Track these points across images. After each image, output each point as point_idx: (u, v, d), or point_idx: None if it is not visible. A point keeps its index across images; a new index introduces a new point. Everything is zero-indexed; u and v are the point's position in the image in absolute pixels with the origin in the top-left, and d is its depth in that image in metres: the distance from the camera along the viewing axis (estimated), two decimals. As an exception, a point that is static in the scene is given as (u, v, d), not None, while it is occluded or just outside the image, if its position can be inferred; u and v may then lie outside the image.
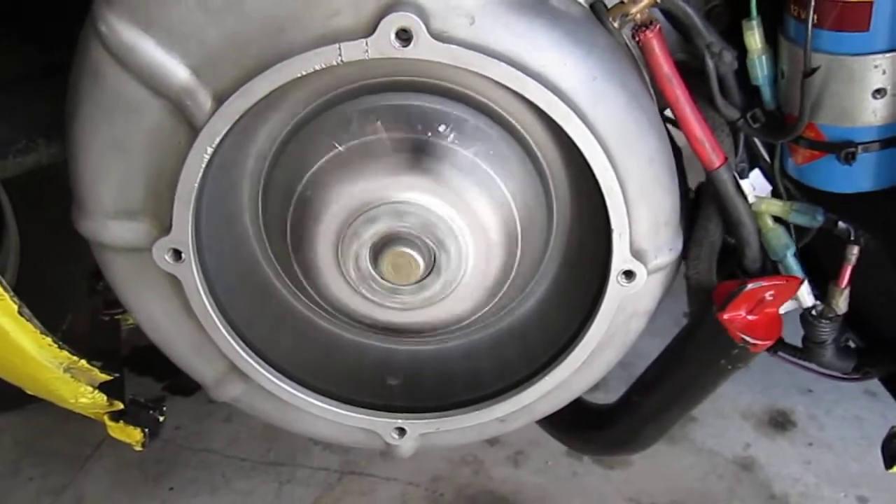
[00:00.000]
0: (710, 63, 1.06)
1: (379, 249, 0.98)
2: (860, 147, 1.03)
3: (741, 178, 1.12)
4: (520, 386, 1.10)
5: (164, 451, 1.90)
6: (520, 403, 1.10)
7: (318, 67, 0.89)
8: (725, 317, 1.07)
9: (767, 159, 1.15)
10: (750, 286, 1.06)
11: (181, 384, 2.02)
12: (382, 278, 0.99)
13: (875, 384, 1.33)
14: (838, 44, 0.99)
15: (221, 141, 0.93)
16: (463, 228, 0.98)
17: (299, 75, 0.89)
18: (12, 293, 1.03)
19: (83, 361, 1.16)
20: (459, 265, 0.99)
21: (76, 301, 1.51)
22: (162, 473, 1.86)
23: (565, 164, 1.04)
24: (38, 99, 1.22)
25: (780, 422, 1.99)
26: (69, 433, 1.89)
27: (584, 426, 1.33)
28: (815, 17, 0.97)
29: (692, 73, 1.07)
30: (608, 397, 1.34)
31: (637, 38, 1.02)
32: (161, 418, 1.32)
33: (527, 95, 0.91)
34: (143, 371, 2.04)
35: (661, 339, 1.23)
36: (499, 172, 1.00)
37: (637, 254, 1.01)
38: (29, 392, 1.26)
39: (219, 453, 1.91)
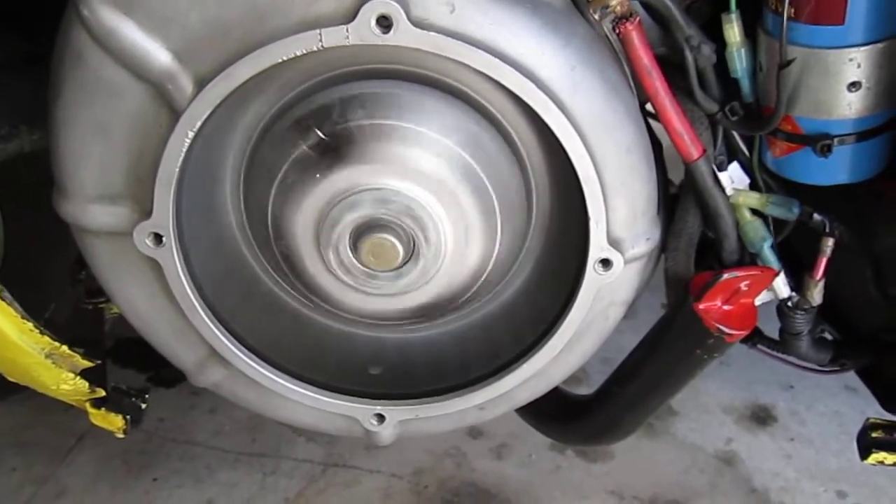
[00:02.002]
0: (689, 56, 1.07)
1: (359, 236, 0.99)
2: (836, 140, 1.04)
3: (720, 170, 1.14)
4: (499, 373, 1.11)
5: (147, 443, 1.90)
6: (499, 391, 1.11)
7: (298, 53, 0.90)
8: (701, 307, 1.09)
9: (746, 152, 1.16)
10: (725, 276, 1.08)
11: (165, 376, 2.02)
12: (362, 265, 1.00)
13: (856, 380, 1.35)
14: (814, 37, 1.00)
15: (203, 125, 0.94)
16: (442, 215, 0.99)
17: (280, 60, 0.90)
18: (-7, 278, 1.03)
19: (64, 347, 1.17)
20: (438, 252, 1.00)
21: (59, 290, 1.51)
22: (145, 465, 1.86)
23: (544, 153, 1.05)
24: (21, 86, 1.23)
25: (761, 417, 2.00)
26: (52, 424, 1.89)
27: (565, 416, 1.34)
28: (792, 10, 0.99)
29: (672, 66, 1.09)
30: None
31: (617, 31, 1.03)
32: (143, 405, 1.32)
33: (505, 83, 0.92)
34: (126, 363, 2.04)
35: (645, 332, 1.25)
36: (478, 160, 1.00)
37: (614, 242, 1.02)
38: (10, 378, 1.26)
39: (202, 445, 1.91)
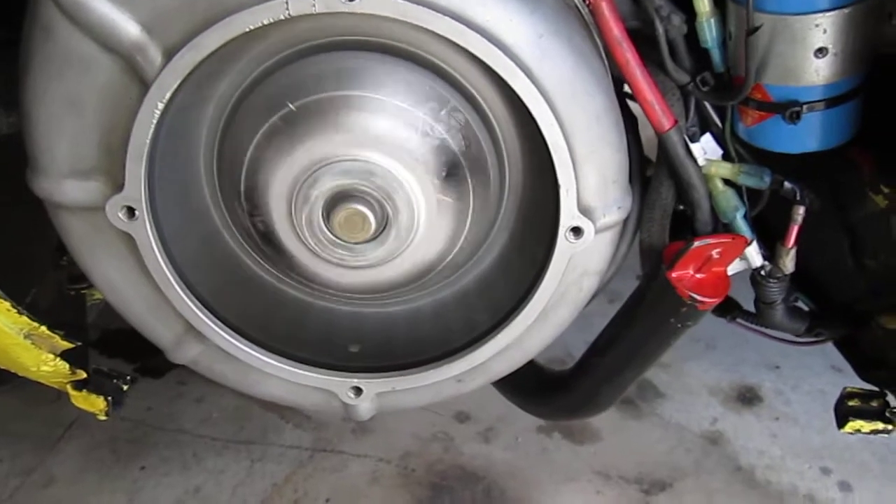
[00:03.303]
0: (659, 27, 1.08)
1: (331, 207, 0.99)
2: (805, 106, 1.05)
3: (692, 141, 1.15)
4: (474, 344, 1.12)
5: (135, 432, 1.90)
6: (474, 361, 1.12)
7: (265, 22, 0.90)
8: (673, 275, 1.09)
9: (718, 123, 1.17)
10: (696, 244, 1.09)
11: (152, 366, 2.02)
12: (335, 236, 1.01)
13: (841, 361, 1.35)
14: (780, 3, 1.01)
15: (172, 97, 0.94)
16: (414, 186, 1.00)
17: (247, 29, 0.91)
18: (-33, 257, 1.03)
19: (44, 328, 1.17)
20: (411, 224, 1.01)
21: (41, 275, 1.51)
22: (133, 453, 1.86)
23: (515, 124, 1.06)
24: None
25: (747, 397, 2.01)
26: (39, 415, 1.89)
27: (545, 391, 1.35)
28: (758, -23, 0.99)
29: (644, 39, 1.09)
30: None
31: (587, 1, 1.04)
32: (125, 387, 1.32)
33: (471, 50, 0.93)
34: (114, 353, 2.04)
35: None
36: (449, 131, 1.01)
37: (585, 210, 1.02)
38: (-9, 361, 1.26)
39: (190, 433, 1.91)
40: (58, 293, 1.50)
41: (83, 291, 1.51)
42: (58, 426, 1.90)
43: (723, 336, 2.11)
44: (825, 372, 2.04)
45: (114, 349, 2.03)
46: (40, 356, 1.20)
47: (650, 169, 1.23)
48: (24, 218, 1.44)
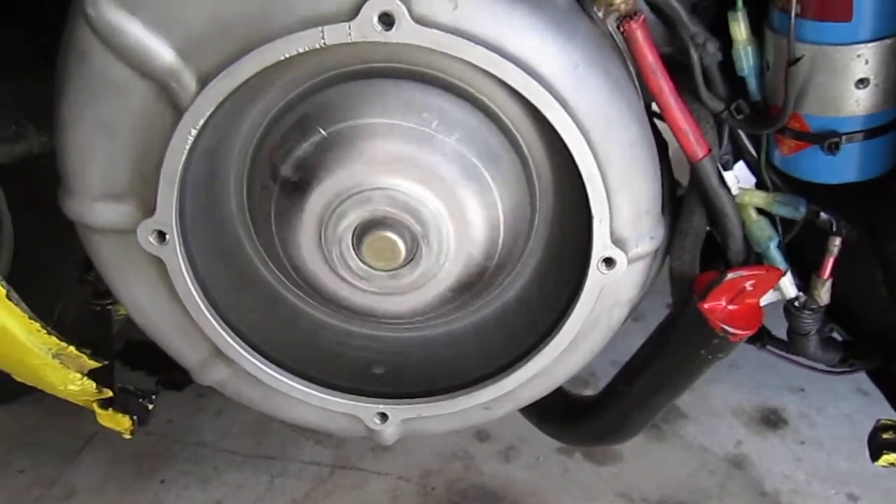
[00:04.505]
0: (694, 54, 1.07)
1: (361, 234, 0.99)
2: (844, 137, 1.04)
3: (725, 169, 1.13)
4: (503, 372, 1.11)
5: (155, 445, 1.90)
6: (503, 389, 1.11)
7: (301, 50, 0.90)
8: (706, 306, 1.08)
9: (752, 151, 1.15)
10: (730, 276, 1.07)
11: (174, 378, 2.03)
12: (364, 263, 1.00)
13: (867, 384, 1.33)
14: (821, 34, 1.00)
15: (206, 123, 0.94)
16: (444, 214, 0.99)
17: (282, 58, 0.90)
18: (0, 278, 1.03)
19: (72, 348, 1.17)
20: (441, 250, 1.00)
21: (67, 291, 1.51)
22: (153, 466, 1.86)
23: (547, 151, 1.05)
24: (29, 87, 1.23)
25: (771, 420, 1.99)
26: (61, 426, 1.89)
27: (570, 417, 1.33)
28: (799, 7, 0.98)
29: (678, 66, 1.08)
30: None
31: (621, 29, 1.03)
32: (150, 406, 1.32)
33: (507, 80, 0.92)
34: (136, 365, 2.05)
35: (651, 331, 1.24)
36: (481, 159, 1.00)
37: (618, 241, 1.01)
38: (18, 379, 1.27)
39: (210, 447, 1.91)
40: (83, 309, 1.50)
41: (108, 307, 1.51)
42: (79, 438, 1.91)
43: (746, 357, 2.06)
44: (851, 395, 2.01)
45: (136, 361, 2.04)
46: (68, 375, 1.21)
47: (679, 189, 1.21)
48: (51, 234, 1.45)
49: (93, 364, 1.22)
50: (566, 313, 1.05)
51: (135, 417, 1.30)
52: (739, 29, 1.06)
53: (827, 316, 1.17)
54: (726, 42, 1.08)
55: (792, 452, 1.89)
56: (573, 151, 0.95)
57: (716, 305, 1.08)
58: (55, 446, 1.89)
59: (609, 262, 1.01)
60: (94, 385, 1.24)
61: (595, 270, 1.01)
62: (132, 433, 1.32)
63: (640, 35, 1.03)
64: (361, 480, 1.82)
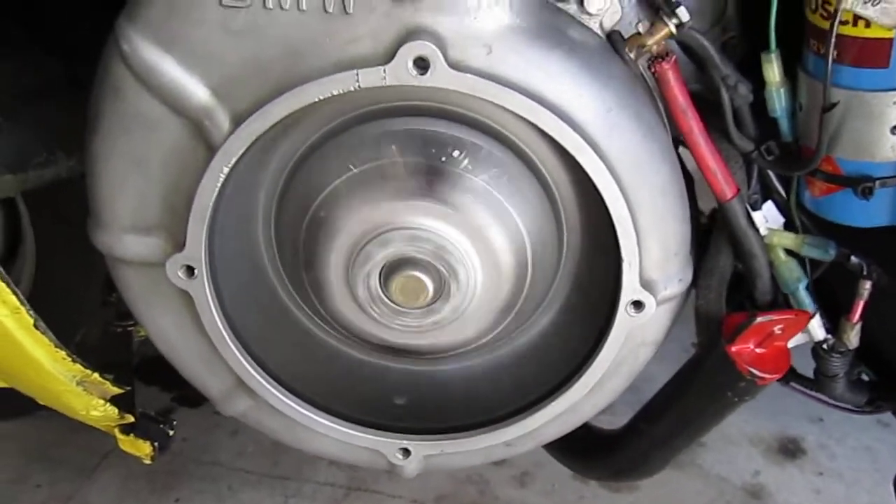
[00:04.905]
0: (725, 95, 1.06)
1: (389, 272, 0.98)
2: (878, 182, 1.03)
3: (754, 209, 1.12)
4: (527, 410, 1.10)
5: (171, 463, 1.90)
6: (526, 428, 1.10)
7: (335, 92, 0.90)
8: (733, 349, 1.07)
9: (781, 192, 1.14)
10: (759, 319, 1.06)
11: (189, 395, 2.02)
12: (391, 301, 1.00)
13: (888, 415, 1.32)
14: (858, 80, 0.99)
15: (237, 161, 0.94)
16: (472, 254, 0.99)
17: (317, 99, 0.90)
18: (28, 307, 1.04)
19: (96, 375, 1.18)
20: (468, 291, 1.00)
21: (89, 312, 1.52)
22: (168, 485, 1.86)
23: (576, 192, 1.05)
24: (59, 112, 1.24)
25: (790, 449, 1.97)
26: (78, 442, 1.90)
27: (591, 451, 1.32)
28: (836, 52, 0.97)
29: (706, 103, 1.07)
30: (613, 419, 1.33)
31: (653, 70, 1.02)
32: (171, 432, 1.33)
33: (541, 126, 0.92)
34: (150, 381, 2.05)
35: (668, 363, 1.22)
36: (510, 199, 1.00)
37: (647, 284, 1.01)
38: (41, 403, 1.27)
39: (225, 466, 1.91)
40: (105, 330, 1.51)
41: (129, 328, 1.52)
42: (95, 454, 1.91)
43: (764, 384, 2.07)
44: (871, 426, 1.99)
45: (152, 378, 2.04)
46: (91, 401, 1.21)
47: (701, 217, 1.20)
48: (75, 256, 1.46)
49: (115, 390, 1.22)
50: (592, 354, 1.05)
51: (155, 444, 1.30)
52: (773, 71, 1.05)
53: (856, 358, 1.16)
54: (756, 81, 1.07)
55: (811, 484, 1.88)
56: (604, 195, 0.95)
57: (744, 348, 1.07)
58: (73, 462, 1.89)
59: (638, 304, 1.01)
60: (117, 411, 1.25)
61: (623, 313, 1.01)
62: (152, 459, 1.32)
63: (671, 76, 1.02)
64: (376, 503, 1.82)
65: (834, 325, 1.14)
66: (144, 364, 2.00)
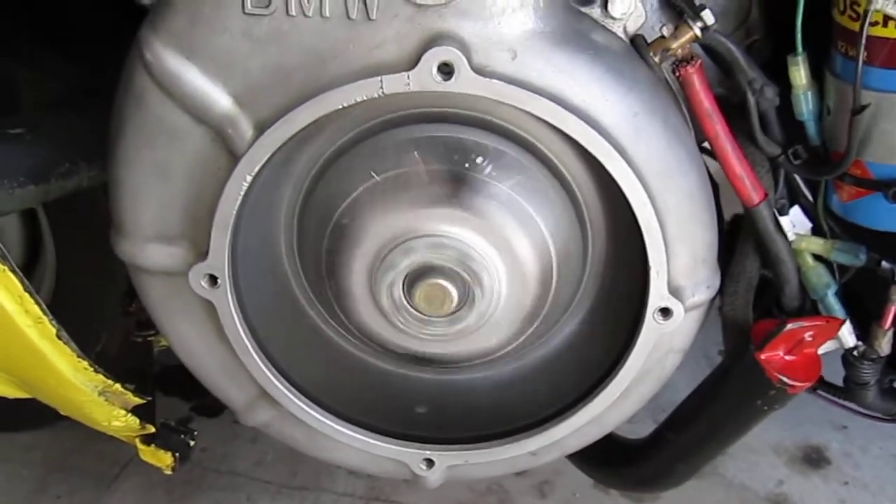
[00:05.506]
0: (751, 99, 1.05)
1: (413, 280, 0.97)
2: None
3: (781, 214, 1.11)
4: (552, 420, 1.09)
5: (189, 473, 1.90)
6: (551, 438, 1.09)
7: (359, 99, 0.89)
8: (763, 357, 1.05)
9: (808, 196, 1.13)
10: (789, 326, 1.04)
11: (208, 405, 2.02)
12: (415, 309, 0.99)
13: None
14: (888, 82, 0.98)
15: (260, 169, 0.94)
16: (497, 262, 0.97)
17: (341, 106, 0.90)
18: (51, 316, 1.04)
19: (118, 385, 1.17)
20: (493, 298, 0.99)
21: (109, 322, 1.52)
22: (187, 494, 1.86)
23: (602, 198, 1.03)
24: (81, 122, 1.24)
25: (814, 458, 1.94)
26: (97, 452, 1.90)
27: (615, 461, 1.31)
28: (865, 54, 0.96)
29: (732, 107, 1.06)
30: (632, 427, 1.31)
31: (678, 74, 1.01)
32: (191, 443, 1.32)
33: (567, 131, 0.91)
34: (170, 391, 2.05)
35: (687, 369, 1.20)
36: (535, 206, 0.99)
37: (674, 291, 0.99)
38: (63, 413, 1.27)
39: (244, 475, 1.90)
40: (126, 340, 1.51)
41: (150, 338, 1.52)
42: (114, 464, 1.91)
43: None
44: (896, 434, 1.97)
45: (171, 387, 2.04)
46: (112, 412, 1.20)
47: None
48: (97, 266, 1.46)
49: (137, 401, 1.22)
50: (620, 362, 1.03)
51: (176, 454, 1.30)
52: (800, 74, 1.04)
53: (887, 366, 1.13)
54: (782, 83, 1.06)
55: (835, 493, 1.85)
56: (632, 202, 0.94)
57: (773, 356, 1.05)
58: (92, 472, 1.89)
59: (665, 312, 0.99)
60: (138, 421, 1.24)
61: (651, 321, 0.99)
62: (173, 469, 1.31)
63: (696, 80, 1.01)
64: (395, 513, 1.81)
65: (864, 331, 1.12)
66: (165, 373, 2.00)
